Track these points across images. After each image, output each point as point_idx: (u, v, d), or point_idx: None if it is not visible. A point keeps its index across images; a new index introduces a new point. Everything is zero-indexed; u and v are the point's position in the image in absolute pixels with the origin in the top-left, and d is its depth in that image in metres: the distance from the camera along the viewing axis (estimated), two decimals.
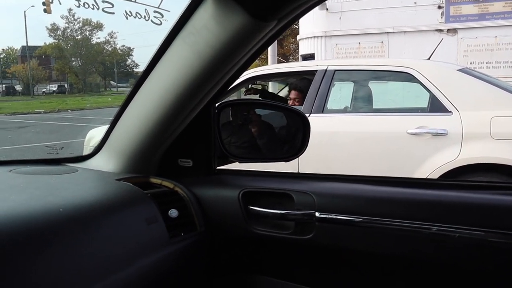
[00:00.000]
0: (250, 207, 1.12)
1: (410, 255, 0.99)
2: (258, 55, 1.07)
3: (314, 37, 12.49)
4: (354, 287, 1.09)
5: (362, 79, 4.06)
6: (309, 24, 12.37)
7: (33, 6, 46.14)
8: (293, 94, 4.38)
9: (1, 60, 67.39)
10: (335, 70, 3.89)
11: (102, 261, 0.83)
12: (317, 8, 12.75)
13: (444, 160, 3.34)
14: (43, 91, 54.04)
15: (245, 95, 5.51)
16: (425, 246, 0.97)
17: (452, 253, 0.95)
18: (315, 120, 3.75)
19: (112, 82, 64.04)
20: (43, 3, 22.23)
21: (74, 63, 53.35)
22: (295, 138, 1.30)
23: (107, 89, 60.16)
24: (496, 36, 10.57)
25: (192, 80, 1.02)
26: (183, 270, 1.06)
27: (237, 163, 1.28)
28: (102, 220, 0.89)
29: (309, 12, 1.01)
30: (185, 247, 1.04)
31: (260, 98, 5.04)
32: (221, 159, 1.23)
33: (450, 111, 3.40)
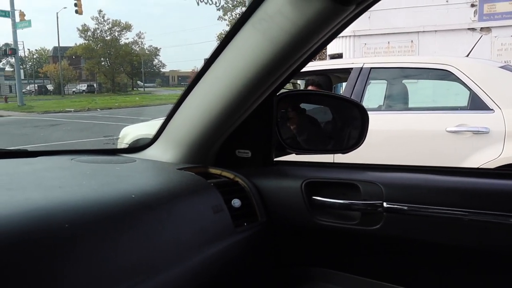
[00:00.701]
0: (314, 197, 1.10)
1: (482, 246, 0.96)
2: (330, 41, 1.05)
3: (343, 36, 12.37)
4: (422, 279, 1.06)
5: (399, 76, 4.00)
6: None
7: (65, 7, 47.46)
8: (311, 89, 4.36)
9: (34, 60, 69.41)
10: (371, 68, 3.84)
11: (173, 248, 0.84)
12: None
13: (485, 159, 3.26)
14: (73, 91, 55.51)
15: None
16: (499, 238, 0.94)
17: None
18: None
19: (139, 82, 65.08)
20: (75, 4, 22.80)
21: (103, 63, 54.50)
22: (353, 130, 1.28)
23: (134, 88, 61.18)
24: None
25: (263, 67, 1.01)
26: (246, 260, 1.06)
27: (293, 155, 1.27)
28: (172, 208, 0.90)
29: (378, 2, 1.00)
30: (248, 237, 1.04)
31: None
32: (277, 150, 1.23)
33: (492, 109, 3.31)
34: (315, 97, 1.40)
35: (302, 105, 1.32)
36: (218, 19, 33.68)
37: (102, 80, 56.91)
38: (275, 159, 1.24)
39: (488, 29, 10.67)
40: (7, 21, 29.86)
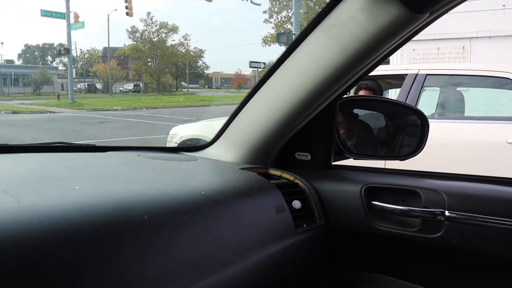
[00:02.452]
0: (374, 202, 1.10)
1: None
2: (400, 47, 1.05)
3: None
4: None
5: (455, 84, 3.88)
6: None
7: (116, 9, 49.17)
8: (363, 93, 4.27)
9: (85, 60, 72.30)
10: (427, 75, 3.75)
11: (239, 244, 0.86)
12: None
13: None
14: (120, 90, 57.31)
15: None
16: None
17: None
18: None
19: (183, 83, 66.37)
20: (126, 7, 23.58)
21: (149, 63, 55.98)
22: (413, 136, 1.27)
23: (178, 89, 62.42)
24: None
25: (331, 73, 1.02)
26: (305, 261, 1.07)
27: (351, 160, 1.28)
28: (238, 205, 0.92)
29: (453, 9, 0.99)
30: (307, 238, 1.06)
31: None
32: (336, 155, 1.24)
33: None
34: (376, 103, 1.40)
35: (355, 111, 1.33)
36: (264, 22, 33.82)
37: (148, 80, 58.47)
38: (333, 163, 1.25)
39: None
40: (62, 22, 31.32)
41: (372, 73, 4.20)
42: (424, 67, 3.88)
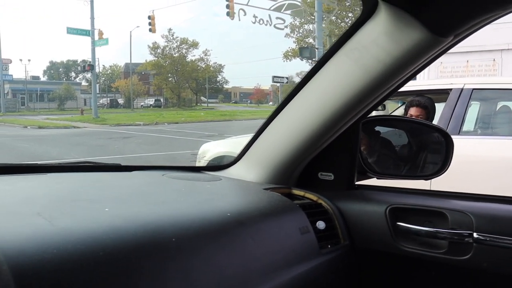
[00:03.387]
0: (399, 223, 1.09)
1: None
2: (423, 69, 1.06)
3: None
4: None
5: (506, 99, 3.71)
6: None
7: (138, 26, 50.18)
8: (415, 111, 4.07)
9: (107, 75, 73.80)
10: (473, 89, 3.59)
11: (264, 266, 0.86)
12: None
13: None
14: (141, 105, 58.25)
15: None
16: None
17: None
18: None
19: (202, 98, 67.03)
20: (149, 23, 23.97)
21: (170, 79, 56.72)
22: (436, 156, 1.27)
23: (198, 104, 63.05)
24: None
25: (354, 95, 1.03)
26: (330, 282, 1.07)
27: (374, 179, 1.27)
28: (263, 227, 0.93)
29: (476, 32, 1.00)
30: (332, 259, 1.05)
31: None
32: (359, 174, 1.24)
33: None
34: (398, 123, 1.41)
35: (377, 128, 1.33)
36: (285, 36, 33.94)
37: (169, 95, 59.17)
38: (357, 183, 1.25)
39: None
40: (86, 39, 32.05)
41: (414, 89, 4.04)
42: (470, 81, 3.72)
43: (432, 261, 1.06)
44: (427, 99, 4.04)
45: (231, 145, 5.20)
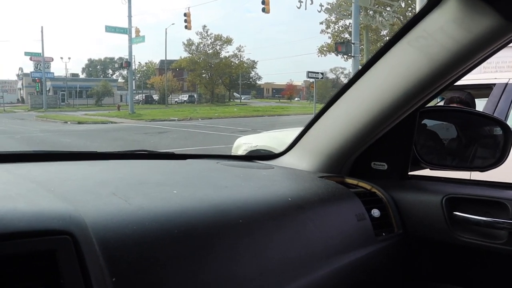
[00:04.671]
0: (456, 213, 1.08)
1: None
2: (489, 57, 1.03)
3: None
4: None
5: None
6: None
7: (173, 24, 50.92)
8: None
9: (143, 72, 75.33)
10: None
11: (322, 250, 0.89)
12: None
13: None
14: (176, 101, 59.13)
15: None
16: None
17: None
18: None
19: (235, 94, 67.31)
20: (185, 20, 24.30)
21: (204, 75, 57.26)
22: (491, 147, 1.26)
23: (231, 100, 63.37)
24: None
25: (417, 84, 1.02)
26: (384, 269, 1.08)
27: (427, 170, 1.26)
28: (322, 212, 0.95)
29: None
30: (386, 247, 1.06)
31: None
32: (412, 164, 1.22)
33: None
34: (457, 114, 1.38)
35: (424, 121, 1.30)
36: (320, 33, 33.63)
37: (203, 91, 59.82)
38: (410, 173, 1.24)
39: None
40: (123, 37, 32.80)
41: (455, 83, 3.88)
42: None
43: (490, 251, 1.05)
44: (467, 95, 3.92)
45: (265, 139, 5.23)
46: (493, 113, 3.48)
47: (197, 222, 0.71)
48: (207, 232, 0.71)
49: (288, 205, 0.89)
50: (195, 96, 61.25)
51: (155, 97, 60.82)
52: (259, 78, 72.09)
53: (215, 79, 57.14)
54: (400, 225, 1.13)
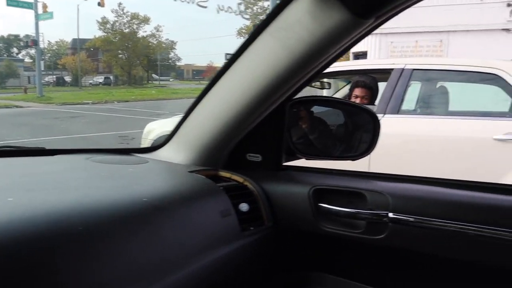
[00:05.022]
0: (320, 204, 1.11)
1: (487, 262, 0.96)
2: (347, 51, 1.06)
3: None
4: None
5: (442, 79, 3.83)
6: None
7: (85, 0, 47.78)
8: (360, 92, 4.13)
9: (53, 52, 70.21)
10: (413, 70, 3.67)
11: (183, 250, 0.86)
12: None
13: None
14: (90, 83, 56.02)
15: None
16: (505, 253, 0.93)
17: None
18: (390, 122, 3.58)
19: (153, 75, 65.39)
20: None
21: (120, 55, 54.77)
22: (364, 137, 1.29)
23: (149, 82, 61.49)
24: None
25: (278, 75, 1.03)
26: (252, 264, 1.09)
27: (303, 160, 1.28)
28: (182, 211, 0.92)
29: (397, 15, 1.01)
30: (254, 241, 1.06)
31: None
32: (287, 155, 1.24)
33: None
34: (327, 103, 1.41)
35: (314, 108, 1.32)
36: (237, 14, 33.50)
37: (119, 73, 57.24)
38: (284, 164, 1.26)
39: None
40: (29, 12, 30.18)
41: (359, 67, 4.10)
42: (411, 62, 3.80)
43: (351, 240, 1.09)
44: (372, 80, 4.10)
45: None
46: (391, 97, 3.67)
47: (22, 234, 0.64)
48: (36, 243, 0.64)
49: (142, 206, 0.84)
50: (111, 78, 58.45)
51: (67, 78, 57.08)
52: (179, 59, 70.60)
53: (132, 60, 54.91)
54: (271, 218, 1.13)
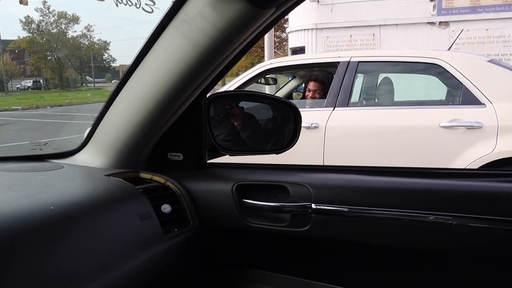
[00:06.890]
0: (244, 200, 1.10)
1: (407, 244, 1.00)
2: (254, 43, 1.04)
3: (305, 29, 12.36)
4: (350, 278, 1.09)
5: (388, 71, 3.94)
6: (299, 17, 12.23)
7: None
8: (313, 86, 4.17)
9: None
10: (359, 62, 3.76)
11: (97, 259, 0.82)
12: (308, 0, 12.44)
13: (479, 154, 3.25)
14: (18, 87, 52.55)
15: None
16: (422, 236, 0.97)
17: (449, 241, 0.95)
18: (340, 114, 3.64)
19: (88, 78, 62.79)
20: None
21: (49, 57, 51.94)
22: (286, 130, 1.29)
23: (84, 84, 58.93)
24: (487, 29, 10.66)
25: (186, 70, 1.00)
26: (178, 266, 1.07)
27: (228, 156, 1.26)
28: (95, 217, 0.88)
29: (300, 4, 1.00)
30: (179, 242, 1.04)
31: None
32: (211, 152, 1.22)
33: (483, 103, 3.30)
34: (247, 98, 1.40)
35: (242, 103, 1.31)
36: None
37: (49, 76, 54.19)
38: (208, 161, 1.23)
39: (446, 24, 10.98)
40: None
41: (306, 61, 4.10)
42: (356, 55, 3.89)
43: (276, 234, 1.09)
44: (326, 74, 4.14)
45: None
46: (339, 89, 3.72)
47: None
48: None
49: (49, 215, 0.79)
50: (41, 81, 55.30)
51: None
52: (114, 60, 68.12)
53: (63, 61, 52.25)
54: (196, 217, 1.11)
